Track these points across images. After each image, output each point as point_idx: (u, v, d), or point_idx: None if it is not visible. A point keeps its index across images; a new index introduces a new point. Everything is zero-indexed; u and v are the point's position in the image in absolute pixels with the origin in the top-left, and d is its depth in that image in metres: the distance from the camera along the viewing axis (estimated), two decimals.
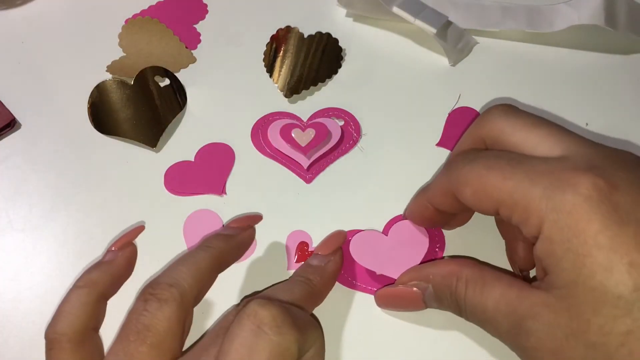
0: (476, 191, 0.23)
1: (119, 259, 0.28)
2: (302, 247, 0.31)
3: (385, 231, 0.32)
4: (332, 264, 0.29)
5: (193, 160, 0.35)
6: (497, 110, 0.26)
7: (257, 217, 0.32)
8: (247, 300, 0.24)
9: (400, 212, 0.32)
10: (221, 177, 0.34)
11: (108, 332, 0.26)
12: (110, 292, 0.27)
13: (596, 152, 0.22)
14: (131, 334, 0.22)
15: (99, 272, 0.27)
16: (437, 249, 0.31)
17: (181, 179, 0.34)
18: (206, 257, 0.26)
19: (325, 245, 0.29)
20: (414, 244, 0.30)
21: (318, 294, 0.27)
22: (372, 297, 0.30)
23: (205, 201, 0.33)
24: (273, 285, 0.29)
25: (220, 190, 0.33)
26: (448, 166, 0.26)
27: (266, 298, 0.23)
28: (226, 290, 0.30)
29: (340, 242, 0.30)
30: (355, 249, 0.30)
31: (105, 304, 0.27)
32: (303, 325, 0.22)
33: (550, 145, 0.23)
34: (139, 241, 0.31)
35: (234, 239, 0.29)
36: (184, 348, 0.24)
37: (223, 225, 0.32)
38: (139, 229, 0.31)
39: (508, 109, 0.26)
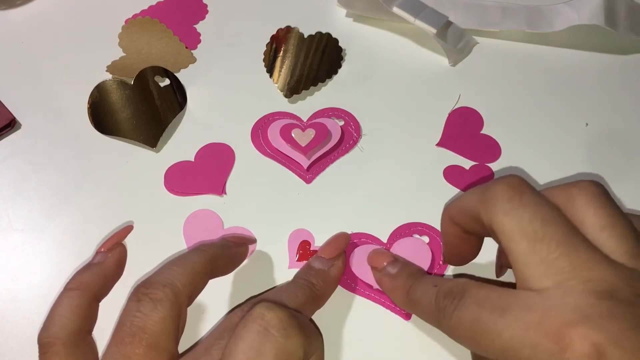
0: (471, 339, 0.21)
1: (109, 260, 0.28)
2: (304, 245, 0.31)
3: (389, 244, 0.31)
4: (335, 269, 0.28)
5: (193, 160, 0.35)
6: (502, 201, 0.21)
7: (252, 239, 0.31)
8: (252, 302, 0.24)
9: (400, 212, 0.32)
10: (221, 177, 0.34)
11: (100, 333, 0.26)
12: (102, 293, 0.27)
13: (599, 282, 0.19)
14: (126, 335, 0.22)
15: (90, 274, 0.26)
16: (440, 263, 0.31)
17: (181, 179, 0.34)
18: (200, 259, 0.26)
19: (329, 249, 0.29)
20: (416, 259, 0.30)
21: (320, 299, 0.27)
22: (371, 302, 0.30)
23: (205, 201, 0.33)
24: (275, 287, 0.29)
25: (220, 190, 0.33)
26: (438, 304, 0.23)
27: (272, 302, 0.23)
28: (227, 289, 0.30)
29: (343, 246, 0.29)
30: (356, 263, 0.30)
31: (98, 305, 0.26)
32: (308, 330, 0.22)
33: (543, 270, 0.20)
34: (138, 241, 0.31)
35: (229, 249, 0.29)
36: (179, 348, 0.24)
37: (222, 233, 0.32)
38: (127, 229, 0.30)
39: (516, 194, 0.21)
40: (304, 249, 0.31)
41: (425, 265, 0.30)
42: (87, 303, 0.25)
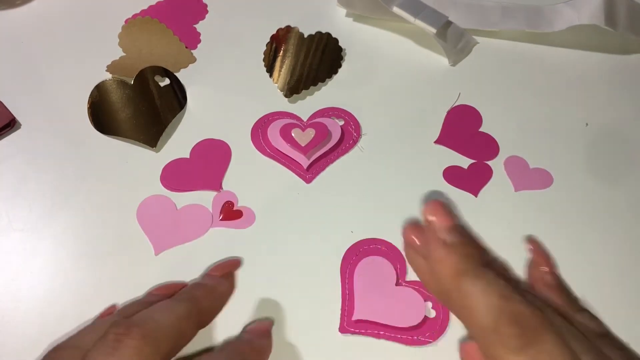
0: None
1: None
2: (228, 206, 0.32)
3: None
4: (221, 285, 0.29)
5: (189, 157, 0.34)
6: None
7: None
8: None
9: (400, 212, 0.32)
10: (218, 176, 0.34)
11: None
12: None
13: None
14: None
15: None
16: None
17: (179, 178, 0.34)
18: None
19: (219, 268, 0.30)
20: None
21: (203, 311, 0.27)
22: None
23: (205, 201, 0.33)
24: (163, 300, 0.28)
25: (218, 189, 0.33)
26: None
27: (142, 318, 0.23)
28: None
29: (233, 268, 0.30)
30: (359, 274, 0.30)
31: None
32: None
33: None
34: (136, 243, 0.31)
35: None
36: None
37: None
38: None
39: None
40: (228, 209, 0.32)
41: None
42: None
